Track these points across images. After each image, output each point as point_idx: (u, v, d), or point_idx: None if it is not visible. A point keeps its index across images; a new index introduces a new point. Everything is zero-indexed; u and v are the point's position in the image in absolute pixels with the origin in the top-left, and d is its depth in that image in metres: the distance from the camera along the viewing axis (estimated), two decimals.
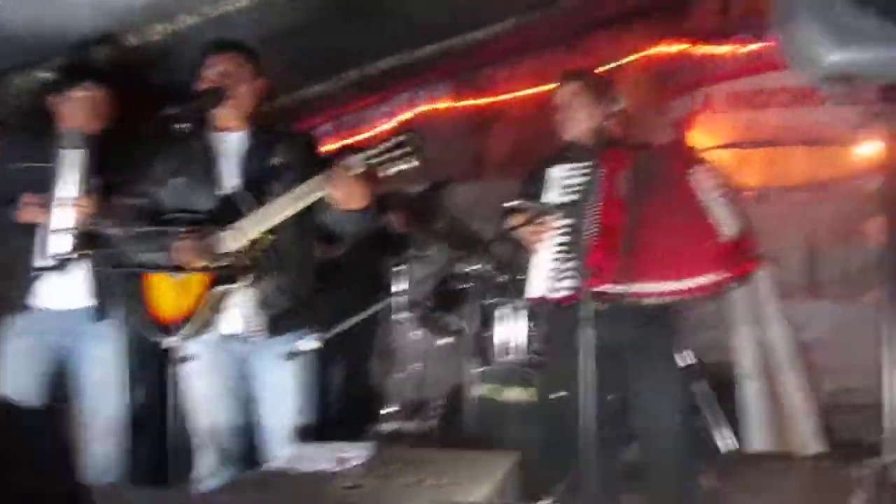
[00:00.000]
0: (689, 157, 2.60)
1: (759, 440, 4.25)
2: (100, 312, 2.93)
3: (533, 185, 2.71)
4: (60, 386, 3.05)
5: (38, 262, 2.81)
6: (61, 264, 2.30)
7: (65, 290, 2.85)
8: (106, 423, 2.97)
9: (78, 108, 2.91)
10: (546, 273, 2.60)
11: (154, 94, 3.56)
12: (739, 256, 2.42)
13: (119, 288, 2.70)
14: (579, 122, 2.74)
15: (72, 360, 3.01)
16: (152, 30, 3.20)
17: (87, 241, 2.50)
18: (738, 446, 4.02)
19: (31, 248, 2.85)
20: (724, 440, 4.01)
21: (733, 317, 4.58)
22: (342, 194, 2.35)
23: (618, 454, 3.07)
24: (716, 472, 3.63)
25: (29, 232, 2.86)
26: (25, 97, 3.32)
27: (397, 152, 2.29)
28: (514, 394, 3.56)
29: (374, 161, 2.32)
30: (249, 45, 2.70)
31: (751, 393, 4.38)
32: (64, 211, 2.81)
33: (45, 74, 3.21)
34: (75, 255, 2.55)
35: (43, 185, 2.85)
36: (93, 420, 3.01)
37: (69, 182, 2.87)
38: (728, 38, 4.82)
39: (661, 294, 2.44)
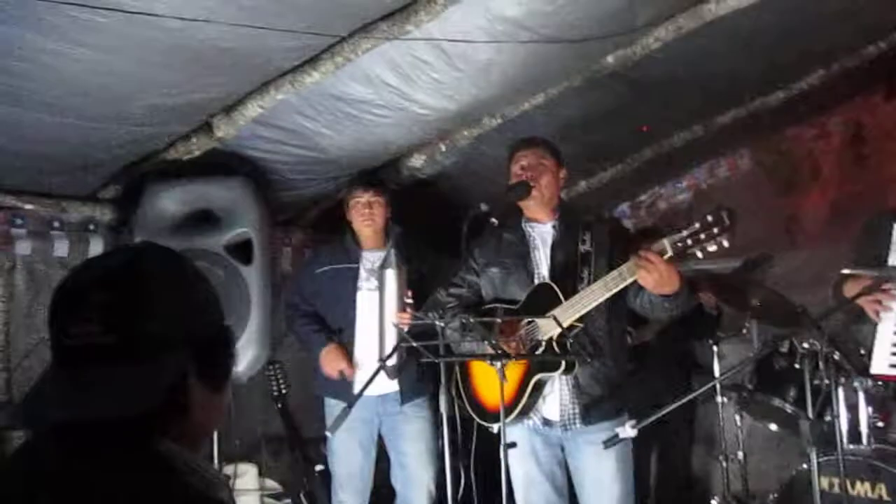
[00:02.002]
0: None
1: None
2: (406, 395, 3.19)
3: (872, 244, 2.42)
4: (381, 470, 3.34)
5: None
6: (388, 357, 2.54)
7: (379, 377, 3.05)
8: (418, 495, 3.19)
9: (355, 213, 3.27)
10: (889, 348, 2.29)
11: (459, 197, 3.87)
12: None
13: (428, 373, 2.88)
14: None
15: (388, 438, 3.29)
16: (460, 135, 3.47)
17: (414, 335, 2.70)
18: None
19: (350, 338, 3.22)
20: None
21: None
22: (653, 279, 2.31)
23: None
24: None
25: (349, 323, 3.23)
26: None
27: (708, 232, 2.20)
28: (863, 489, 3.10)
29: (683, 244, 2.25)
30: (549, 139, 2.83)
31: None
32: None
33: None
34: (404, 349, 2.76)
35: (348, 282, 3.26)
36: (405, 493, 3.25)
37: (371, 279, 3.26)
38: None
39: None
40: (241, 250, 3.09)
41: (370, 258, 3.31)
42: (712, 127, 4.24)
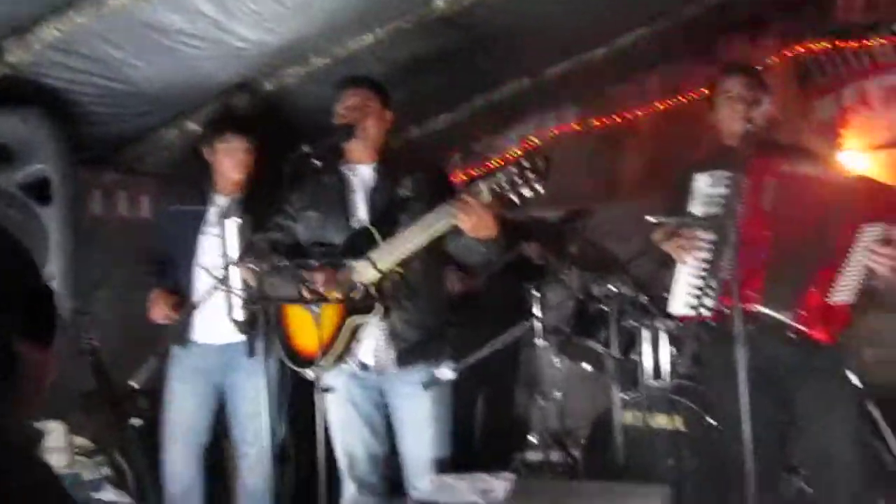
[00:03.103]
0: (879, 208, 2.34)
1: None
2: (252, 347, 3.06)
3: (679, 195, 2.57)
4: (220, 420, 3.22)
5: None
6: (204, 300, 2.40)
7: (220, 326, 2.98)
8: (257, 453, 3.07)
9: (224, 159, 3.14)
10: (688, 290, 2.46)
11: (289, 135, 3.74)
12: (827, 322, 2.32)
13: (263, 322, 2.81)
14: (739, 120, 2.54)
15: (227, 394, 3.17)
16: (286, 73, 3.34)
17: (231, 278, 2.60)
18: None
19: (188, 285, 3.08)
20: None
21: None
22: (470, 222, 2.33)
23: (777, 487, 2.83)
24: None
25: (189, 270, 3.09)
26: (176, 148, 3.56)
27: (522, 177, 2.24)
28: (663, 421, 3.37)
29: (499, 187, 2.28)
30: (377, 80, 2.77)
31: None
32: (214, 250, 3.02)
33: (193, 126, 3.44)
34: (217, 291, 2.65)
35: (195, 225, 3.13)
36: (245, 450, 3.13)
37: (218, 224, 3.07)
38: (879, 28, 4.43)
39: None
40: (39, 189, 2.82)
41: (220, 202, 3.18)
42: (541, 79, 4.34)
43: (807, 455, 2.57)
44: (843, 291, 2.29)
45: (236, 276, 2.72)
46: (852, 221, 2.30)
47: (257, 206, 3.08)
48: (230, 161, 3.15)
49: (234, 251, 2.99)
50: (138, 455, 3.30)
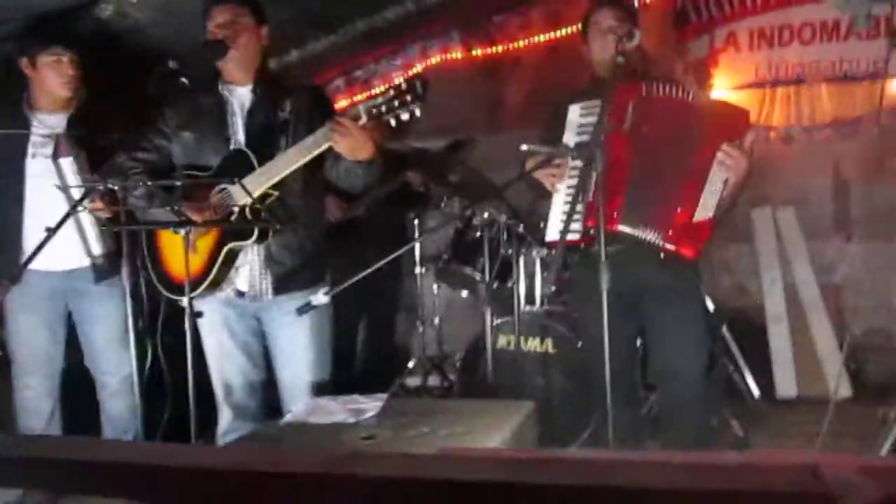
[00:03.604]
0: (736, 126, 2.47)
1: (788, 385, 4.19)
2: (101, 272, 2.95)
3: (555, 126, 2.64)
4: (72, 348, 3.09)
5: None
6: (59, 225, 2.27)
7: (63, 251, 2.82)
8: (118, 381, 3.01)
9: (50, 73, 2.89)
10: (559, 217, 2.55)
11: (156, 52, 3.53)
12: (692, 238, 2.44)
13: (121, 245, 2.69)
14: (610, 50, 2.60)
15: (78, 321, 3.05)
16: None
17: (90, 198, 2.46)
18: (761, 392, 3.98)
19: (19, 211, 2.88)
20: (752, 386, 3.97)
21: (759, 260, 4.50)
22: (348, 145, 2.30)
23: (637, 403, 3.03)
24: (744, 418, 3.60)
25: (19, 196, 2.88)
26: None
27: (400, 100, 2.23)
28: (534, 344, 3.52)
29: (377, 110, 2.26)
30: None
31: (779, 337, 4.32)
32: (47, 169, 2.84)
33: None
34: (79, 212, 2.50)
35: (16, 149, 2.88)
36: (105, 379, 3.05)
37: (48, 146, 2.90)
38: None
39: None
40: None
41: (47, 122, 2.94)
42: (423, 4, 4.28)
43: (658, 371, 2.75)
44: (705, 208, 2.43)
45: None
46: (711, 141, 2.42)
47: (93, 125, 2.94)
48: (58, 76, 2.91)
49: (76, 174, 2.85)
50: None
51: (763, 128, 4.65)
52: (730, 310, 4.20)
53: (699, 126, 2.48)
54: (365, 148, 2.32)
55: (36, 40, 2.92)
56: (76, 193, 2.45)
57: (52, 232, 2.26)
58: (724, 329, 3.95)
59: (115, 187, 2.25)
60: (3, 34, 3.11)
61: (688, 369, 2.60)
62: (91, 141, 2.93)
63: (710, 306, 3.68)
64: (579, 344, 3.27)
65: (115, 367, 2.99)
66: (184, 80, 2.40)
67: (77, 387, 3.15)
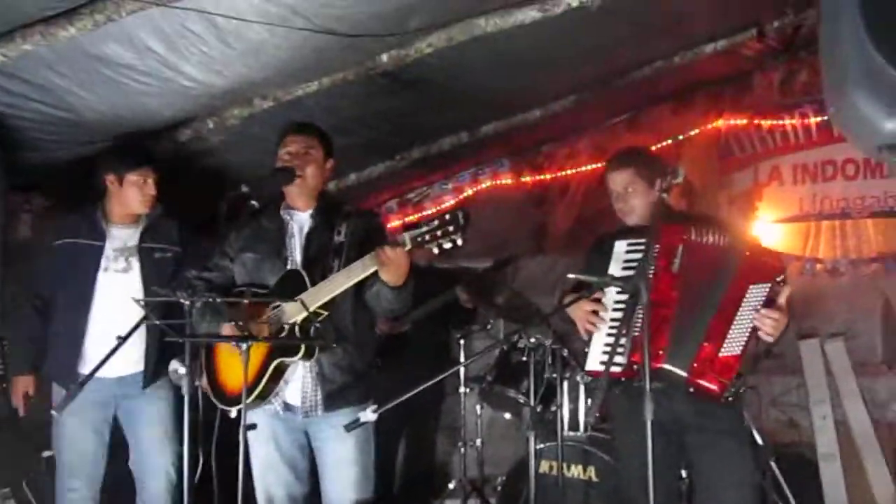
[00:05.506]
0: (767, 270, 2.54)
1: None
2: (149, 377, 3.08)
3: (599, 257, 2.73)
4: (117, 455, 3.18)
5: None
6: (130, 334, 2.42)
7: (116, 359, 2.80)
8: (156, 488, 3.09)
9: (132, 191, 3.09)
10: (600, 347, 2.60)
11: (225, 176, 3.78)
12: (717, 373, 2.46)
13: (175, 355, 2.81)
14: (637, 207, 2.75)
15: (126, 423, 3.16)
16: (230, 114, 3.39)
17: (156, 311, 2.61)
18: None
19: (84, 320, 3.05)
20: None
21: (809, 394, 4.42)
22: (389, 272, 2.43)
23: None
24: None
25: (87, 305, 3.05)
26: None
27: (442, 231, 2.35)
28: (577, 471, 3.48)
29: (421, 238, 2.38)
30: (321, 128, 2.84)
31: (831, 477, 4.18)
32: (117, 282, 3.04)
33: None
34: (144, 324, 2.64)
35: (90, 261, 3.07)
36: (147, 482, 3.13)
37: (119, 260, 3.10)
38: (792, 110, 4.80)
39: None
40: None
41: (120, 236, 3.13)
42: (477, 135, 4.51)
43: None
44: (731, 344, 2.46)
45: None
46: (742, 280, 2.48)
47: (163, 240, 3.13)
48: (140, 195, 3.10)
49: (145, 286, 3.04)
50: (49, 488, 3.22)
51: (810, 260, 4.70)
52: (778, 444, 4.10)
53: (733, 267, 2.54)
54: (401, 275, 2.46)
55: (126, 160, 3.11)
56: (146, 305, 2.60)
57: (122, 340, 2.40)
58: (773, 464, 3.85)
59: (185, 301, 2.38)
60: (90, 152, 3.37)
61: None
62: (162, 254, 3.12)
63: (759, 440, 3.62)
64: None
65: (155, 465, 3.07)
66: (254, 202, 2.58)
67: (117, 492, 3.23)
